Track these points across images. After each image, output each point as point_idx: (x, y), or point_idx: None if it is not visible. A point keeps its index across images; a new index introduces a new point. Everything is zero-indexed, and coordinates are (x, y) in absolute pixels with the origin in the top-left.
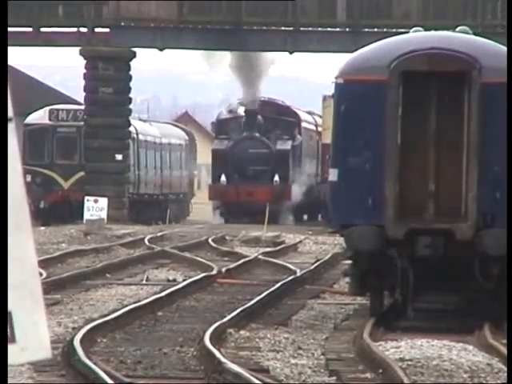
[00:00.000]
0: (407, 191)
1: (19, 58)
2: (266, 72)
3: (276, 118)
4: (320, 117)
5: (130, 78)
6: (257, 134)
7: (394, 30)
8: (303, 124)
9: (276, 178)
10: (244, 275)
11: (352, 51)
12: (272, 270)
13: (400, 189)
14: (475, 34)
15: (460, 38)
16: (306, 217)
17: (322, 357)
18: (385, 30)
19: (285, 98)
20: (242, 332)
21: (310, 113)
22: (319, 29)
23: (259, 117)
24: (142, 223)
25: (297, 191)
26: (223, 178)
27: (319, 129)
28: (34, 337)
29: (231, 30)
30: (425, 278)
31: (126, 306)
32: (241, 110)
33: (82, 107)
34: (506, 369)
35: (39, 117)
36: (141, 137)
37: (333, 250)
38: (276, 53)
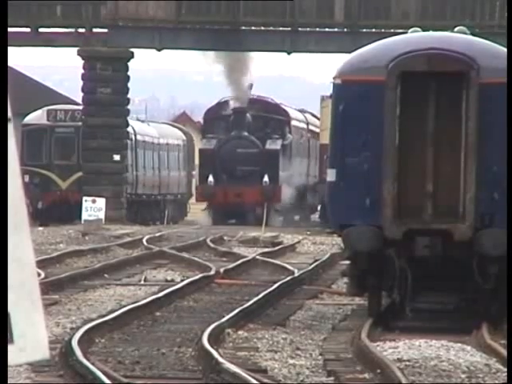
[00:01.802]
0: (405, 191)
1: (17, 58)
2: (250, 71)
3: (265, 116)
4: (313, 115)
5: (128, 78)
6: (245, 133)
7: (393, 31)
8: (293, 122)
9: (265, 178)
10: (242, 275)
11: (350, 51)
12: (270, 271)
13: (398, 189)
14: (473, 35)
15: (458, 39)
16: (297, 217)
17: (319, 357)
18: (383, 30)
19: (283, 98)
20: (240, 332)
21: (302, 111)
22: (317, 29)
23: (248, 115)
24: (140, 223)
25: (287, 192)
26: (211, 178)
27: (310, 127)
28: (32, 337)
29: (229, 31)
30: (423, 279)
31: (124, 306)
32: (229, 108)
33: (80, 107)
34: (504, 369)
35: (37, 117)
36: (139, 137)
37: (331, 250)
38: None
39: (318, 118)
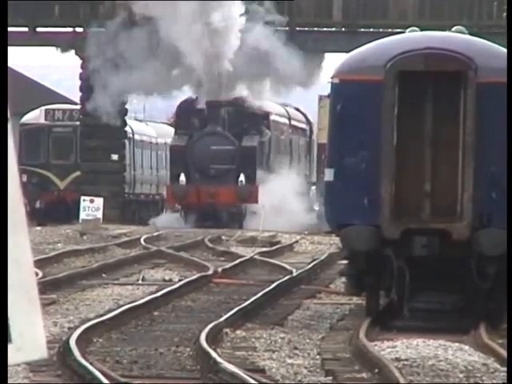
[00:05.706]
0: (403, 191)
1: (15, 57)
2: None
3: (242, 110)
4: (297, 109)
5: None
6: (220, 129)
7: (390, 30)
8: (273, 117)
9: (241, 177)
10: (240, 275)
11: (348, 51)
12: (268, 270)
13: (396, 189)
14: (471, 34)
15: (456, 38)
16: (280, 219)
17: (317, 357)
18: (381, 29)
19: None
20: (237, 332)
21: (284, 105)
22: (315, 29)
23: (223, 109)
24: (138, 223)
25: (265, 193)
26: (182, 177)
27: (293, 122)
28: (29, 337)
29: None
30: (421, 278)
31: (122, 305)
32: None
33: (78, 107)
34: (501, 368)
35: (35, 117)
36: (137, 137)
37: (329, 249)
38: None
39: (303, 113)
